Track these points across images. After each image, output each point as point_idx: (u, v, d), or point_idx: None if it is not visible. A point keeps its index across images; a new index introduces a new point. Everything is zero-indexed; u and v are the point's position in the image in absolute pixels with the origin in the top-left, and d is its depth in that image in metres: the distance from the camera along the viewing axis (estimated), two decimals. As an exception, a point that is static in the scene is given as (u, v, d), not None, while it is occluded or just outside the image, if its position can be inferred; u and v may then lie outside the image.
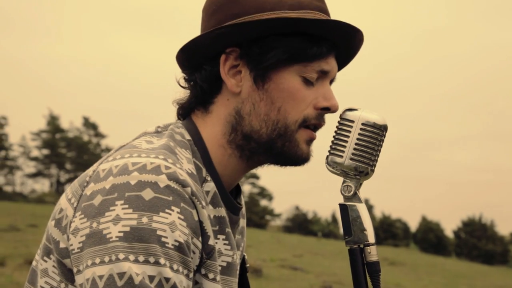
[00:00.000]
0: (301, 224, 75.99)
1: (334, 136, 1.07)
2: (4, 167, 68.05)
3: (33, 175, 70.43)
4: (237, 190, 1.18)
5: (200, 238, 0.96)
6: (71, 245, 0.93)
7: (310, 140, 1.10)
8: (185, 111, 1.13)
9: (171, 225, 0.90)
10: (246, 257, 1.25)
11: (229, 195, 1.10)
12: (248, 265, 1.25)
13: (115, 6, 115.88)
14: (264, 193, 76.96)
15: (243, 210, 1.21)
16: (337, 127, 1.07)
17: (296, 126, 1.07)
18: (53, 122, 69.42)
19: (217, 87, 1.09)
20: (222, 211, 1.07)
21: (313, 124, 1.09)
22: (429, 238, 69.20)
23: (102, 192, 0.92)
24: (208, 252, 0.99)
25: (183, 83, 1.14)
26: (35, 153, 70.76)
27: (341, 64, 1.16)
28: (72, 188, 1.01)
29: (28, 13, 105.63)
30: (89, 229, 0.91)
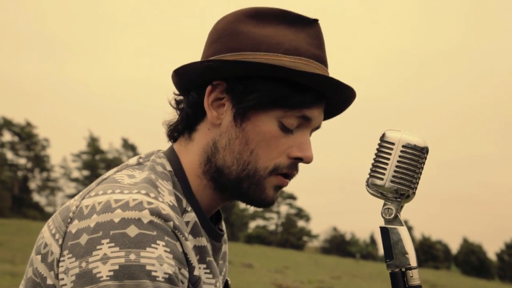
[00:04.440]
0: (339, 245, 75.24)
1: (374, 159, 1.06)
2: (46, 188, 69.44)
3: (74, 196, 71.45)
4: (218, 217, 1.19)
5: (186, 269, 0.97)
6: (64, 285, 0.94)
7: (279, 187, 1.10)
8: (172, 134, 1.15)
9: (159, 259, 0.91)
10: (229, 281, 1.24)
11: (211, 224, 1.10)
12: None
13: (155, 29, 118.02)
14: (301, 214, 76.55)
15: (225, 236, 1.21)
16: (377, 149, 1.06)
17: (265, 173, 1.07)
18: (93, 144, 70.71)
19: (201, 115, 1.10)
20: (203, 241, 1.08)
21: (284, 173, 1.08)
22: (471, 260, 67.57)
23: (87, 230, 0.93)
24: (194, 283, 1.01)
25: (174, 104, 1.16)
26: (76, 174, 72.07)
27: (329, 115, 1.16)
28: (55, 223, 1.01)
29: (68, 36, 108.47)
30: (78, 268, 0.92)
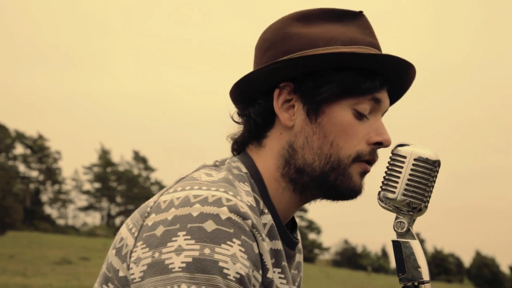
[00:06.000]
0: (350, 258, 74.84)
1: (386, 172, 1.06)
2: (57, 200, 69.72)
3: (85, 208, 71.88)
4: (293, 225, 1.18)
5: (260, 271, 0.96)
6: (132, 274, 0.94)
7: (363, 173, 1.09)
8: (239, 146, 1.15)
9: (233, 257, 0.90)
10: None
11: (285, 229, 1.10)
12: None
13: (166, 42, 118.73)
14: (312, 226, 76.30)
15: (300, 245, 1.21)
16: (389, 162, 1.06)
17: (349, 161, 1.06)
18: (104, 156, 71.01)
19: (271, 121, 1.10)
20: (279, 244, 1.07)
21: (367, 160, 1.08)
22: (484, 273, 66.92)
23: (164, 223, 0.93)
24: (266, 285, 1.00)
25: (236, 118, 1.16)
26: (87, 186, 72.42)
27: (393, 100, 1.16)
28: (133, 219, 1.02)
29: (80, 51, 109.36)
30: (151, 258, 0.91)
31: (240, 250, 0.91)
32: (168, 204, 0.96)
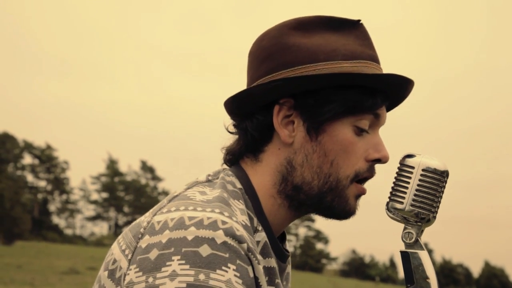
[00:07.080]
0: (358, 268, 74.53)
1: (394, 182, 1.06)
2: (65, 210, 69.89)
3: (93, 218, 72.01)
4: (282, 237, 1.18)
5: None
6: None
7: (359, 195, 1.09)
8: (234, 158, 1.13)
9: (228, 283, 0.88)
10: None
11: (279, 245, 1.09)
12: None
13: (172, 52, 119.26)
14: (319, 236, 76.07)
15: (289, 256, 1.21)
16: (397, 173, 1.06)
17: (347, 181, 1.06)
18: (112, 166, 71.21)
19: (269, 136, 1.08)
20: (272, 262, 1.06)
21: (365, 177, 1.08)
22: (493, 284, 66.44)
23: (158, 246, 0.92)
24: None
25: (231, 129, 1.14)
26: (95, 196, 72.60)
27: (388, 110, 1.15)
28: (126, 239, 1.00)
29: (88, 60, 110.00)
30: (144, 283, 0.89)
31: (235, 275, 0.90)
32: (162, 225, 0.94)
